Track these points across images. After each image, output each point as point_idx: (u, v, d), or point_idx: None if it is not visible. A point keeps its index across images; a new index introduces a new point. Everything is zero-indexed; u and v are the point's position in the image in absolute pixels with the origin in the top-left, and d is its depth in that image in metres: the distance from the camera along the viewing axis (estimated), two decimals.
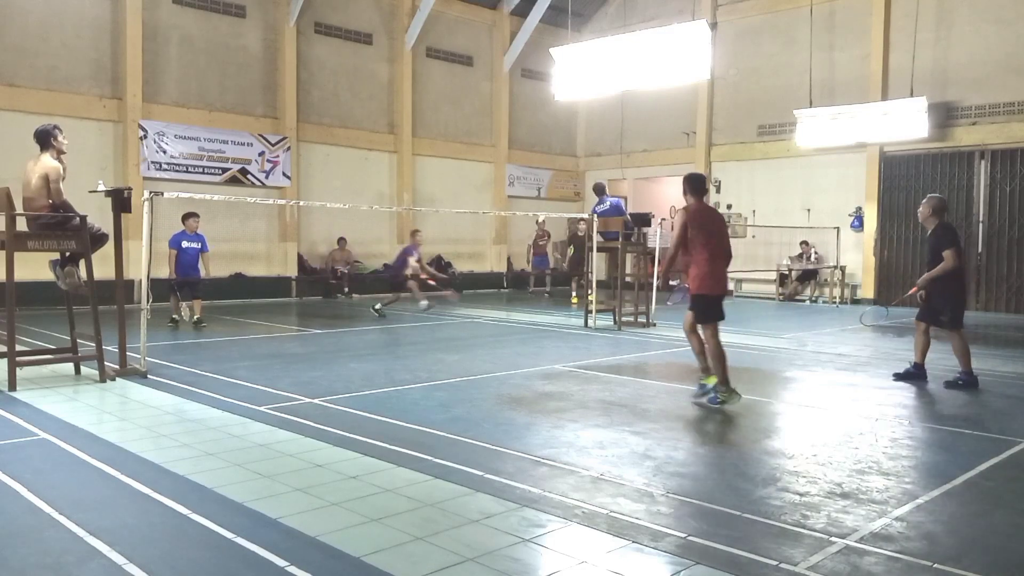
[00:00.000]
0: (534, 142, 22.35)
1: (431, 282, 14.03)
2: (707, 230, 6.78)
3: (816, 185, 18.44)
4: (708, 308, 6.73)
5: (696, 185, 6.94)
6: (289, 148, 17.18)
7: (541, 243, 19.43)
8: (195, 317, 11.69)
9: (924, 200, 7.92)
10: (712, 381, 6.63)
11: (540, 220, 19.25)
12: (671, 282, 8.76)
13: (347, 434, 5.46)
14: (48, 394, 6.75)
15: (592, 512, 3.99)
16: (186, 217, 11.84)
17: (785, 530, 3.79)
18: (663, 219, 15.28)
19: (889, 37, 17.01)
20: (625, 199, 20.51)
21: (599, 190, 13.27)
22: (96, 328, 7.25)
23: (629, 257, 13.08)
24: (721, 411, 6.45)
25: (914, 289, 7.97)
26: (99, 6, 14.83)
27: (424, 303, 13.57)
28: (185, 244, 11.71)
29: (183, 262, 11.68)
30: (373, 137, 18.84)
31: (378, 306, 13.59)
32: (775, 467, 4.87)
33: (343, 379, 7.65)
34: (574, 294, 17.40)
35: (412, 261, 13.35)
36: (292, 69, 17.11)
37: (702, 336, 6.76)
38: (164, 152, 15.48)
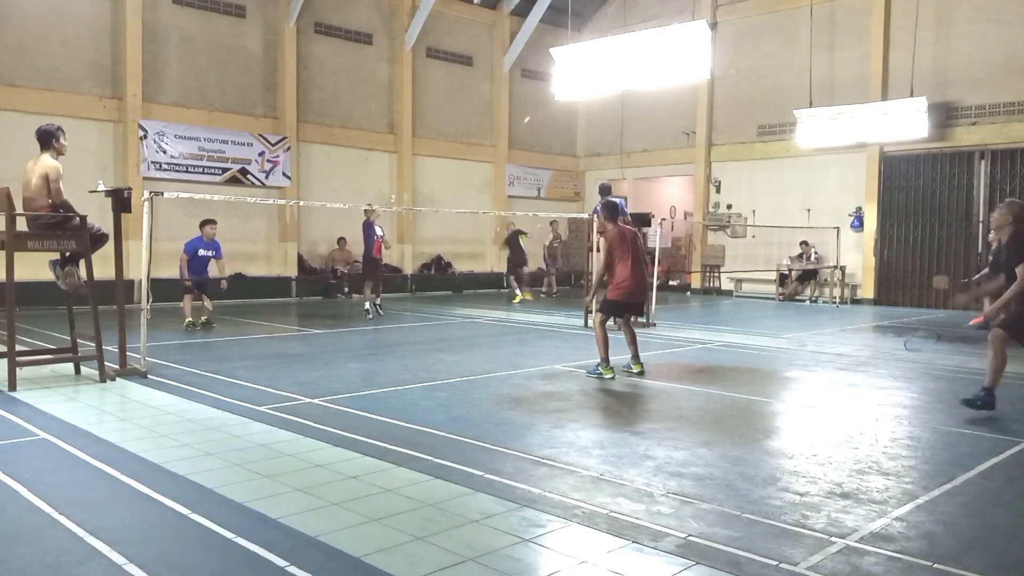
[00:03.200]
0: (534, 142, 22.34)
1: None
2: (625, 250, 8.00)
3: (816, 185, 18.43)
4: (617, 309, 8.20)
5: (610, 212, 8.11)
6: (289, 148, 17.17)
7: (555, 245, 19.44)
8: (203, 318, 11.63)
9: (1001, 205, 6.59)
10: (637, 368, 8.04)
11: (551, 222, 19.27)
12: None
13: (347, 434, 5.46)
14: (48, 394, 6.75)
15: (592, 512, 3.99)
16: (204, 224, 11.59)
17: (785, 530, 3.79)
18: (663, 219, 15.28)
19: (889, 37, 17.00)
20: (625, 199, 20.48)
21: (604, 191, 13.35)
22: (96, 328, 7.25)
23: None
24: (721, 411, 6.48)
25: (980, 319, 7.57)
26: (99, 6, 14.83)
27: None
28: (201, 252, 11.52)
29: (194, 268, 11.52)
30: (373, 137, 18.83)
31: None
32: (775, 467, 4.87)
33: (343, 379, 7.65)
34: (517, 292, 17.44)
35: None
36: (292, 69, 17.11)
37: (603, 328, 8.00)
38: (164, 152, 15.47)
